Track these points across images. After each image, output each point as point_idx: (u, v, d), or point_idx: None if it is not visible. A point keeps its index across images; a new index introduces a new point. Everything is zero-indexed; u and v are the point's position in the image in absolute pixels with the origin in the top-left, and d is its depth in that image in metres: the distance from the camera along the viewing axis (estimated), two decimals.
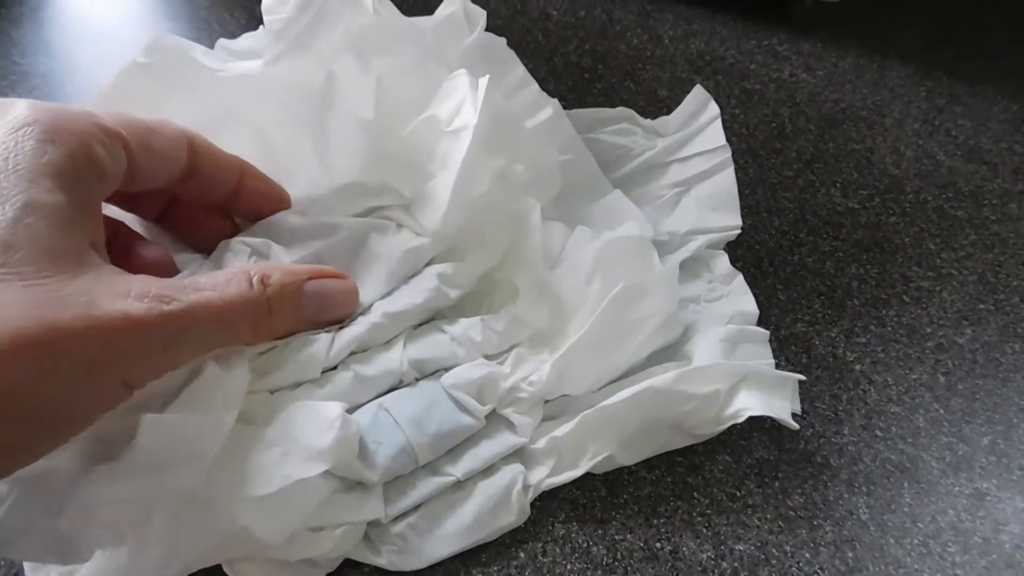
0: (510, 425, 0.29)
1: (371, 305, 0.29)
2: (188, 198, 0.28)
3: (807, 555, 0.29)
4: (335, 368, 0.28)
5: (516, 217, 0.31)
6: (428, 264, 0.30)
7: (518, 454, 0.29)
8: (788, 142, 0.44)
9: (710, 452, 0.31)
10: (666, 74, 0.47)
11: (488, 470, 0.28)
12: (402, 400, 0.28)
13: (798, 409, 0.31)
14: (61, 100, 0.41)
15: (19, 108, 0.21)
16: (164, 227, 0.29)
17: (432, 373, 0.29)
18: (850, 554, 0.29)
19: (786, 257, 0.38)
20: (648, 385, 0.28)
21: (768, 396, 0.29)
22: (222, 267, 0.27)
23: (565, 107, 0.36)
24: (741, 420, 0.29)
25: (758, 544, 0.29)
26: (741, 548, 0.29)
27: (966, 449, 0.32)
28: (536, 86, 0.35)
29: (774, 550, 0.29)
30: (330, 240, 0.29)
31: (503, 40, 0.35)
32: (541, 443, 0.29)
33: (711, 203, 0.35)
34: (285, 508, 0.24)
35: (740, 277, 0.34)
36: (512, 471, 0.28)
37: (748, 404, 0.29)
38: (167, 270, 0.28)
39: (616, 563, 0.28)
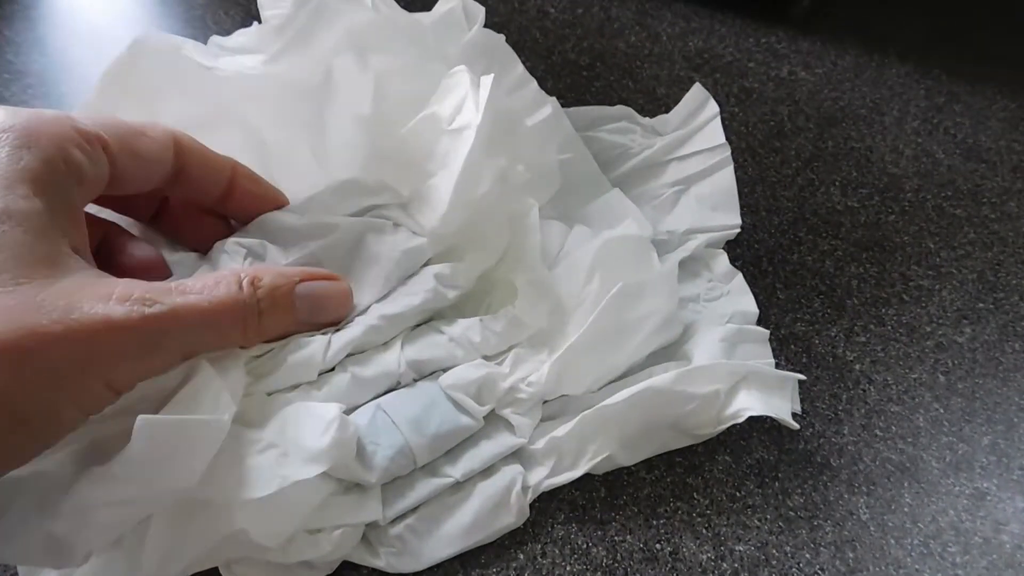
0: (509, 426, 0.29)
1: (368, 307, 0.28)
2: (178, 200, 0.28)
3: (807, 556, 0.29)
4: (332, 370, 0.27)
5: (514, 216, 0.30)
6: (425, 264, 0.30)
7: (517, 455, 0.29)
8: (787, 140, 0.44)
9: (710, 452, 0.31)
10: (664, 72, 0.47)
11: (487, 471, 0.28)
12: (400, 401, 0.27)
13: (798, 409, 0.30)
14: (56, 98, 0.40)
15: None
16: (158, 228, 0.29)
17: (430, 374, 0.29)
18: (850, 554, 0.29)
19: (785, 256, 0.38)
20: (648, 385, 0.28)
21: (768, 396, 0.29)
22: (217, 268, 0.27)
23: (563, 105, 0.36)
24: (741, 420, 0.28)
25: (758, 545, 0.29)
26: (741, 549, 0.28)
27: (966, 449, 0.32)
28: (535, 84, 0.35)
29: (774, 551, 0.29)
30: (326, 240, 0.28)
31: (502, 37, 0.34)
32: (540, 444, 0.29)
33: (710, 202, 0.35)
34: (282, 510, 0.24)
35: (740, 276, 0.34)
36: (511, 472, 0.28)
37: (748, 404, 0.28)
38: (158, 271, 0.27)
39: (616, 564, 0.28)
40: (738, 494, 0.30)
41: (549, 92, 0.35)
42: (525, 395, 0.28)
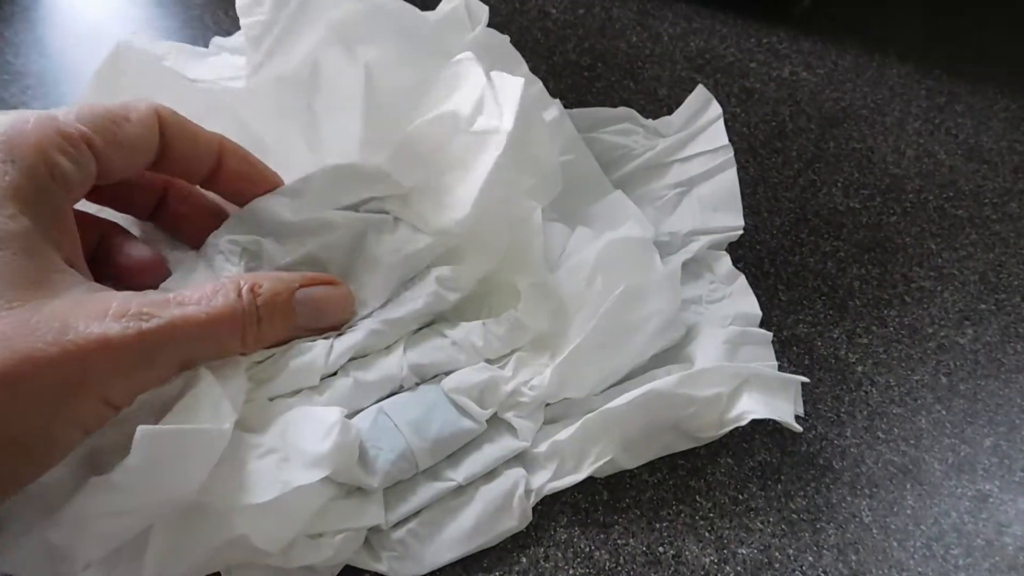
0: (511, 429, 0.29)
1: (371, 312, 0.28)
2: (176, 195, 0.28)
3: (810, 558, 0.28)
4: (334, 374, 0.27)
5: (517, 219, 0.30)
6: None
7: (519, 458, 0.29)
8: (788, 141, 0.44)
9: (712, 455, 0.31)
10: (666, 73, 0.46)
11: (489, 474, 0.28)
12: (402, 404, 0.27)
13: (801, 411, 0.30)
14: (55, 99, 0.40)
15: None
16: (157, 224, 0.29)
17: (432, 377, 0.28)
18: (853, 557, 0.29)
19: (787, 257, 0.38)
20: (650, 388, 0.28)
21: (771, 399, 0.29)
22: (212, 267, 0.26)
23: (565, 106, 0.36)
24: (744, 423, 0.28)
25: (761, 548, 0.29)
26: (744, 552, 0.28)
27: (968, 451, 0.32)
28: (540, 85, 0.34)
29: (777, 553, 0.28)
30: (325, 239, 0.28)
31: (506, 38, 0.34)
32: (543, 447, 0.28)
33: (713, 203, 0.35)
34: (284, 515, 0.24)
35: (742, 278, 0.34)
36: (513, 475, 0.28)
37: (751, 407, 0.28)
38: (157, 271, 0.27)
39: (619, 568, 0.28)
40: (741, 497, 0.30)
41: (550, 93, 0.35)
42: (527, 398, 0.28)
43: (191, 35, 0.44)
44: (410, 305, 0.28)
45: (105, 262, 0.27)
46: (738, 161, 0.35)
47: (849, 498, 0.30)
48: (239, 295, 0.24)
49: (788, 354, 0.34)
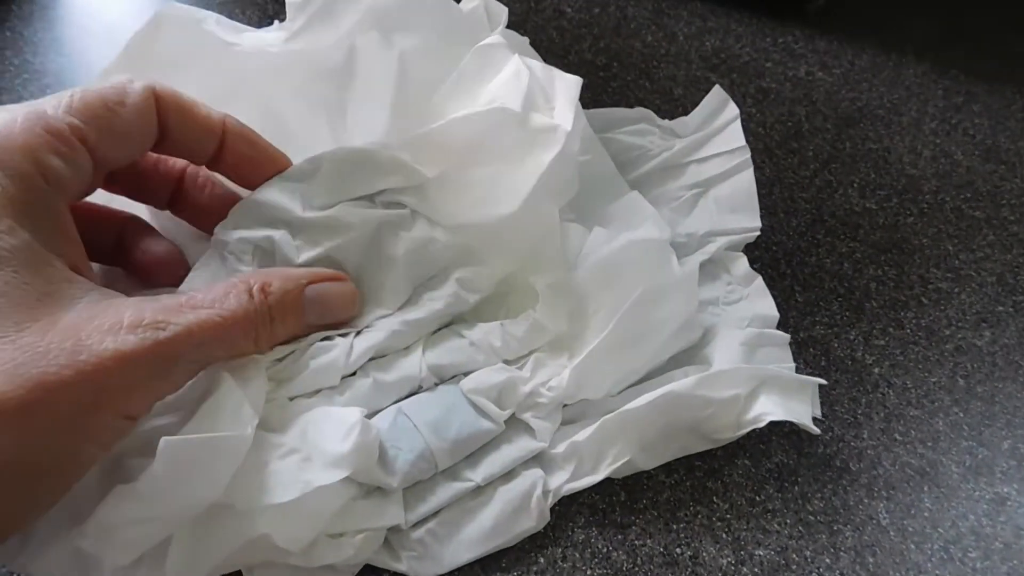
0: (529, 430, 0.29)
1: (390, 312, 0.28)
2: (194, 183, 0.27)
3: (827, 560, 0.28)
4: (354, 374, 0.27)
5: (536, 220, 0.30)
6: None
7: (538, 459, 0.29)
8: (805, 141, 0.44)
9: (729, 456, 0.31)
10: (681, 72, 0.46)
11: (508, 475, 0.28)
12: (421, 405, 0.27)
13: (818, 413, 0.30)
14: None
15: None
16: (176, 213, 0.28)
17: (451, 378, 0.29)
18: (870, 559, 0.29)
19: (804, 258, 0.38)
20: (668, 389, 0.28)
21: (788, 400, 0.29)
22: (224, 265, 0.26)
23: (580, 106, 0.36)
24: (761, 425, 0.28)
25: (778, 549, 0.29)
26: (761, 553, 0.28)
27: (986, 453, 0.32)
28: None
29: (794, 555, 0.28)
30: (341, 240, 0.28)
31: (526, 40, 0.34)
32: (561, 448, 0.29)
33: (730, 204, 0.35)
34: (305, 515, 0.24)
35: (759, 279, 0.34)
36: (532, 476, 0.28)
37: (768, 409, 0.28)
38: (176, 267, 0.27)
39: (636, 568, 0.28)
40: (758, 498, 0.30)
41: None
42: (545, 399, 0.28)
43: None
44: (430, 306, 0.28)
45: (124, 258, 0.27)
46: (754, 161, 0.35)
47: (866, 500, 0.30)
48: (251, 295, 0.24)
49: (805, 355, 0.34)
